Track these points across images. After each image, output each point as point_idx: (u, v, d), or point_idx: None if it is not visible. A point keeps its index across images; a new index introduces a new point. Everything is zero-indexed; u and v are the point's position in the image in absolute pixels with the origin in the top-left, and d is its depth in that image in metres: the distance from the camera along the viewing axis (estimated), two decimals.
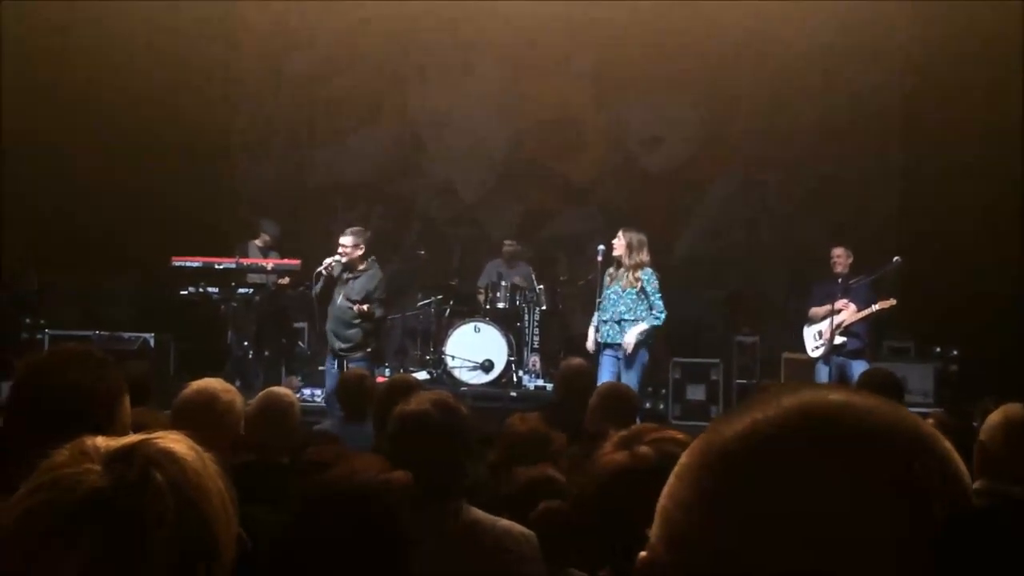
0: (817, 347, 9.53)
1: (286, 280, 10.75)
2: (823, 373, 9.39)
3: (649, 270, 8.75)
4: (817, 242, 10.69)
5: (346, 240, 9.04)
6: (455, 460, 2.94)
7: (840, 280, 9.49)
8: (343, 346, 9.04)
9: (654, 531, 0.82)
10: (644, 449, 1.94)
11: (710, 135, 12.74)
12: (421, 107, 13.11)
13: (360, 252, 9.04)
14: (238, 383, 8.38)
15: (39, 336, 9.63)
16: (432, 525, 2.84)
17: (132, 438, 1.31)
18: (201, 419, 3.14)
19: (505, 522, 2.99)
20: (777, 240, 12.60)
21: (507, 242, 11.61)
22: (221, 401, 3.14)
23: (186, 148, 11.72)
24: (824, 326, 9.43)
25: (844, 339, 9.34)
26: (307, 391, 10.26)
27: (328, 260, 9.10)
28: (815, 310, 9.63)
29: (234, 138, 13.21)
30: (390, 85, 13.10)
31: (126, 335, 9.42)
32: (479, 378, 10.38)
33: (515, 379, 10.52)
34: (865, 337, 9.50)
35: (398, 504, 2.22)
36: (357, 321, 9.00)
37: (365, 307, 8.97)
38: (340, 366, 8.92)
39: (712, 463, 0.79)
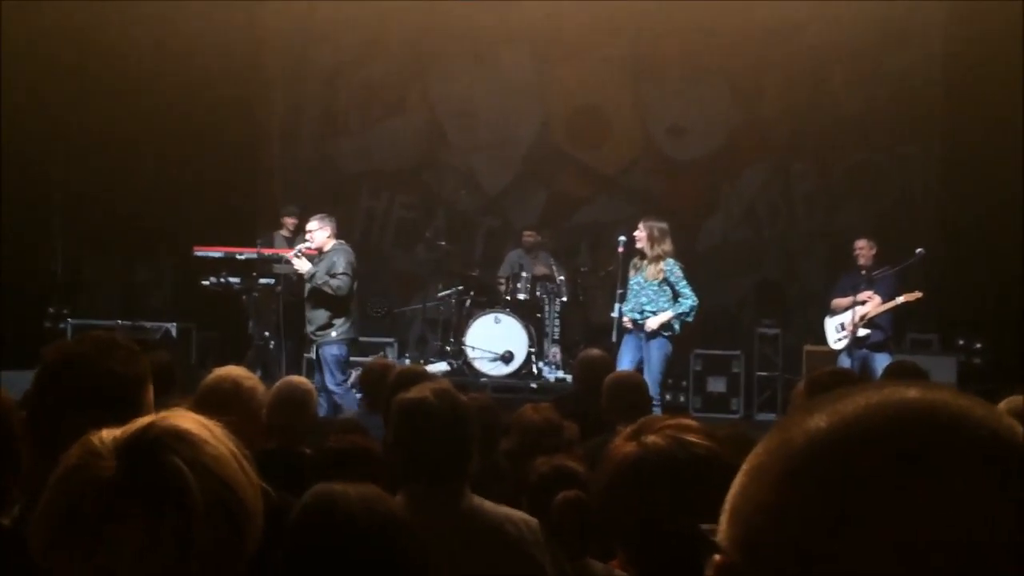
0: (839, 339, 9.47)
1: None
2: (845, 365, 9.31)
3: (671, 260, 8.71)
4: (854, 230, 10.55)
5: (311, 225, 9.12)
6: (454, 447, 2.94)
7: (864, 271, 9.43)
8: (310, 328, 9.08)
9: (725, 533, 0.78)
10: (653, 439, 1.92)
11: (741, 122, 12.66)
12: (446, 96, 13.11)
13: (326, 234, 9.09)
14: (259, 372, 8.42)
15: (61, 325, 9.68)
16: (432, 511, 2.86)
17: (136, 425, 1.33)
18: (224, 406, 3.15)
19: (506, 508, 3.01)
20: (813, 228, 12.51)
21: (527, 233, 11.60)
22: (244, 388, 3.16)
23: (217, 138, 11.79)
24: (847, 318, 9.37)
25: (867, 331, 9.27)
26: None
27: (299, 247, 9.16)
28: (837, 301, 9.57)
29: (263, 128, 13.26)
30: (415, 75, 13.11)
31: (148, 324, 9.45)
32: (499, 369, 10.37)
33: (535, 370, 10.50)
34: (888, 329, 9.43)
35: (401, 535, 2.21)
36: (324, 301, 9.01)
37: (296, 255, 9.02)
38: (317, 353, 9.03)
39: (796, 463, 0.75)
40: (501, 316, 10.47)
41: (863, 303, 9.25)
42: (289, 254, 9.26)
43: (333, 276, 8.91)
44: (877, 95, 12.12)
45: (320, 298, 8.97)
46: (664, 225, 8.79)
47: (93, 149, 10.86)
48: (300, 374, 7.60)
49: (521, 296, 10.74)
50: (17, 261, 10.03)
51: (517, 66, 12.93)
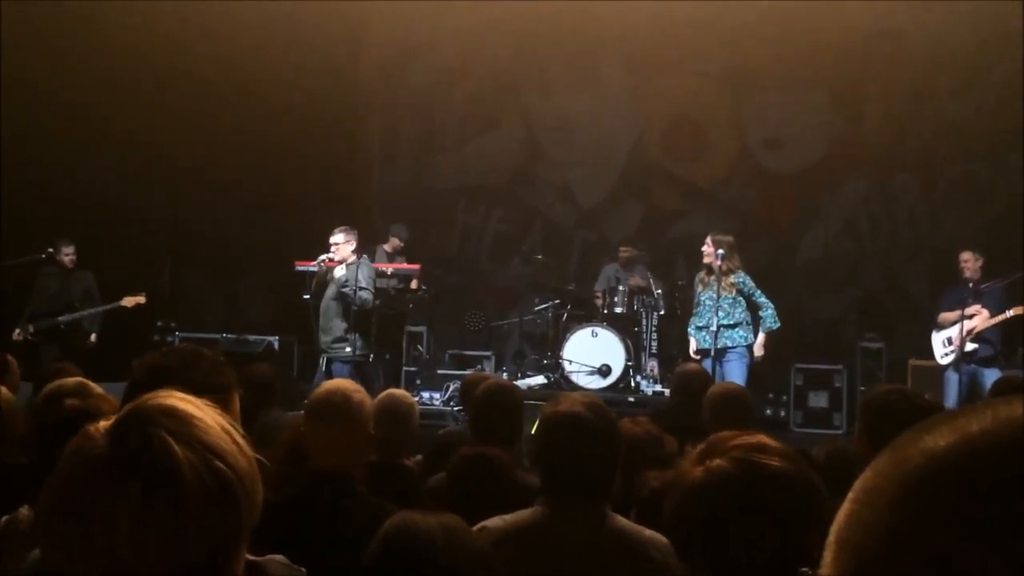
0: (946, 354, 9.23)
1: (413, 284, 10.88)
2: (952, 381, 9.11)
3: (741, 272, 8.79)
4: (959, 242, 10.28)
5: (336, 238, 9.16)
6: (604, 463, 2.88)
7: (971, 284, 9.19)
8: (326, 339, 9.10)
9: (832, 564, 0.72)
10: (719, 462, 1.86)
11: (841, 133, 12.46)
12: (542, 111, 13.17)
13: (351, 247, 9.14)
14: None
15: (169, 339, 9.94)
16: (575, 527, 2.83)
17: (127, 407, 1.38)
18: (335, 418, 3.20)
19: (649, 531, 2.95)
20: (917, 241, 12.23)
21: (623, 248, 11.55)
22: (353, 401, 3.20)
23: (317, 156, 12.02)
24: (954, 332, 9.13)
25: (975, 346, 9.03)
26: (425, 394, 10.37)
27: (321, 257, 9.20)
28: (944, 315, 9.34)
29: (362, 145, 13.48)
30: (511, 90, 13.20)
31: (251, 338, 9.65)
32: (596, 383, 10.33)
33: (633, 384, 10.44)
34: (997, 344, 9.17)
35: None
36: (343, 313, 9.04)
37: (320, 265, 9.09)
38: (327, 364, 9.03)
39: (915, 482, 0.69)
40: (598, 329, 10.44)
41: (970, 317, 9.02)
42: (314, 265, 9.31)
43: (362, 289, 8.98)
44: (982, 103, 11.81)
45: (341, 309, 9.03)
46: (731, 239, 8.86)
47: (197, 171, 11.15)
48: (399, 387, 7.69)
49: (618, 310, 10.70)
50: (126, 278, 10.37)
51: (613, 79, 12.93)
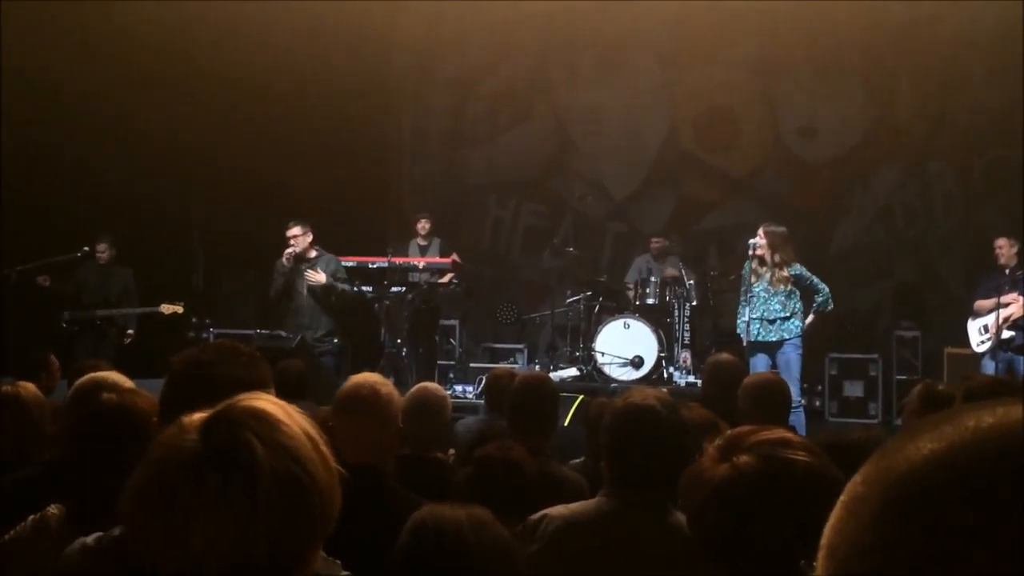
0: (982, 341, 9.15)
1: (446, 278, 10.92)
2: (989, 369, 9.01)
3: (796, 264, 8.74)
4: (995, 229, 10.17)
5: (294, 231, 9.36)
6: (673, 458, 2.86)
7: (1008, 271, 9.10)
8: (312, 334, 9.27)
9: (822, 568, 0.70)
10: (745, 458, 1.85)
11: (875, 121, 12.34)
12: (572, 103, 13.16)
13: (309, 239, 9.39)
14: (392, 379, 8.55)
15: (204, 335, 10.04)
16: (640, 521, 2.84)
17: (220, 406, 1.44)
18: (364, 411, 3.22)
19: None
20: (952, 228, 12.10)
21: (655, 240, 11.52)
22: (382, 395, 3.21)
23: (349, 151, 12.07)
24: (990, 320, 9.05)
25: (1012, 333, 8.95)
26: (458, 387, 10.40)
27: (288, 251, 9.39)
28: (980, 303, 9.26)
29: (393, 141, 13.52)
30: (542, 83, 13.19)
31: (284, 334, 9.72)
32: (629, 374, 10.31)
33: (665, 375, 10.40)
34: None
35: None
36: (327, 309, 9.23)
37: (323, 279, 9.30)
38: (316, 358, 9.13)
39: (898, 495, 0.67)
40: (630, 321, 10.42)
41: (1006, 305, 8.93)
42: (283, 260, 9.48)
43: (339, 280, 9.15)
44: (1016, 89, 11.64)
45: (328, 305, 9.13)
46: (783, 230, 8.75)
47: (231, 169, 11.23)
48: (432, 380, 7.72)
49: (650, 301, 10.68)
50: (162, 276, 10.50)
51: (644, 70, 12.89)
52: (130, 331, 10.24)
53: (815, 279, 8.75)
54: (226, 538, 1.33)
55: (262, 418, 1.40)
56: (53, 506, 2.57)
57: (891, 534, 0.66)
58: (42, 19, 9.78)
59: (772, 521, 1.79)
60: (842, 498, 0.71)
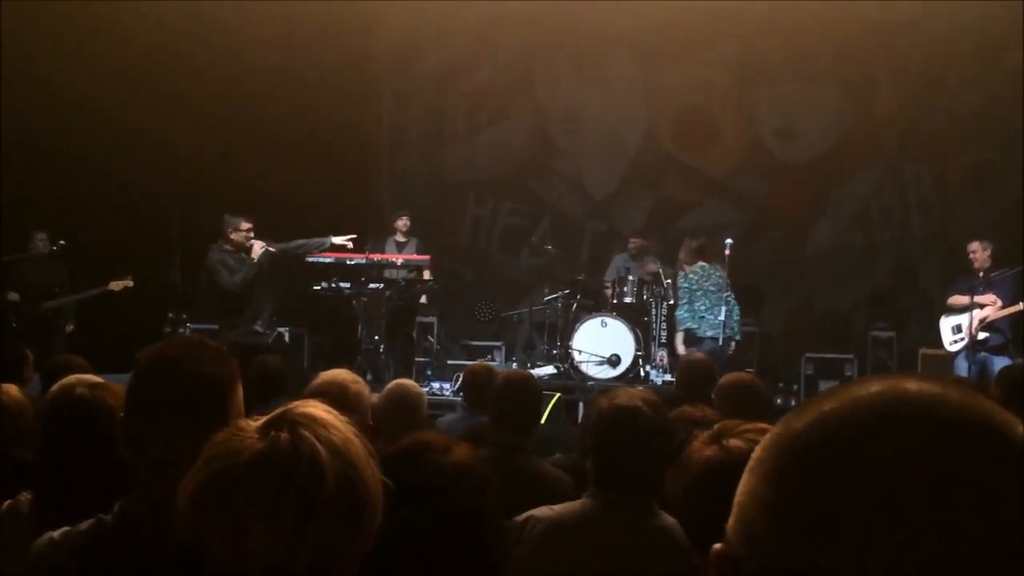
0: (955, 341, 9.22)
1: (424, 275, 10.90)
2: (962, 369, 9.10)
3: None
4: (971, 233, 10.24)
5: (247, 224, 9.56)
6: (658, 460, 2.87)
7: (981, 274, 9.17)
8: (260, 321, 9.64)
9: (731, 525, 0.80)
10: (735, 442, 1.88)
11: (852, 123, 12.41)
12: (552, 103, 13.15)
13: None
14: (369, 376, 8.55)
15: (181, 330, 10.01)
16: (625, 522, 2.85)
17: (276, 411, 1.47)
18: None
19: None
20: (929, 231, 12.17)
21: (633, 240, 11.54)
22: (350, 391, 3.20)
23: (327, 148, 12.02)
24: (963, 320, 9.12)
25: (986, 334, 9.02)
26: (435, 384, 10.39)
27: (260, 247, 9.52)
28: (955, 298, 9.32)
29: (372, 138, 13.49)
30: (521, 82, 13.18)
31: (261, 329, 9.70)
32: (606, 373, 10.34)
33: (642, 374, 10.44)
34: (1008, 332, 9.16)
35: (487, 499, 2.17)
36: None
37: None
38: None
39: (783, 457, 0.76)
40: (608, 320, 10.45)
41: (982, 306, 9.00)
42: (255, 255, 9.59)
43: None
44: (994, 93, 11.73)
45: (269, 292, 9.42)
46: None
47: (208, 163, 11.18)
48: (410, 377, 7.71)
49: (628, 300, 10.70)
50: (140, 270, 10.43)
51: (623, 70, 12.90)
52: (70, 325, 10.03)
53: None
54: (280, 538, 1.35)
55: (319, 422, 1.43)
56: (24, 493, 2.57)
57: (777, 488, 0.76)
58: None
59: None
60: (748, 464, 0.81)
